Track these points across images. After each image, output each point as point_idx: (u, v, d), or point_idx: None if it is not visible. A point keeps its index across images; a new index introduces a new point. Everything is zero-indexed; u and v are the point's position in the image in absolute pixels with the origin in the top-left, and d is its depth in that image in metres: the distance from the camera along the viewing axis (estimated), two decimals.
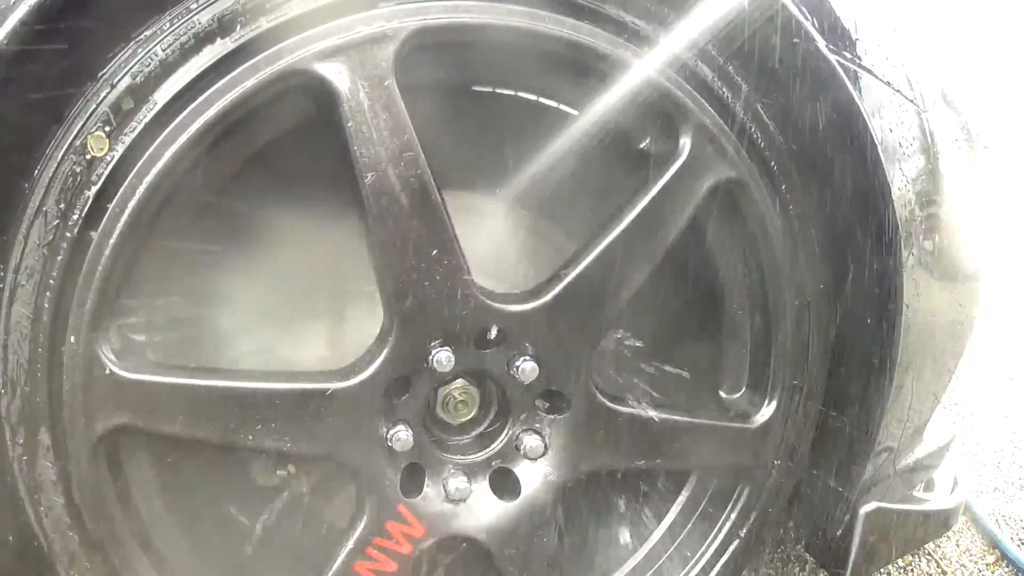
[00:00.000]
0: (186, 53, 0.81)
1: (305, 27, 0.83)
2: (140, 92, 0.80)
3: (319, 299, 1.10)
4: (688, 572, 1.18)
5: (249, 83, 0.82)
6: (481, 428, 1.08)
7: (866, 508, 1.18)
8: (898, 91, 1.03)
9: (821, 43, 0.95)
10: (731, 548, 1.18)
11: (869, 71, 1.01)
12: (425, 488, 1.02)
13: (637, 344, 1.25)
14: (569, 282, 0.97)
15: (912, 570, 1.72)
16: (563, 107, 1.04)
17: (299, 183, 1.01)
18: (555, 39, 0.91)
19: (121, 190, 0.81)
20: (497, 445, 1.06)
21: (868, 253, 1.05)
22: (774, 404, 1.13)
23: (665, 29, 0.96)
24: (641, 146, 1.03)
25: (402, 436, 0.97)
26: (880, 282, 1.05)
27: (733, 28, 0.97)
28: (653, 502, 1.23)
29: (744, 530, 1.18)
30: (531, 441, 1.04)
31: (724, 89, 1.00)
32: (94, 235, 0.81)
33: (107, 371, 0.83)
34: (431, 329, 0.94)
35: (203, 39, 0.81)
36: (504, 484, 1.06)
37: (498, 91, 1.02)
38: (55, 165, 0.79)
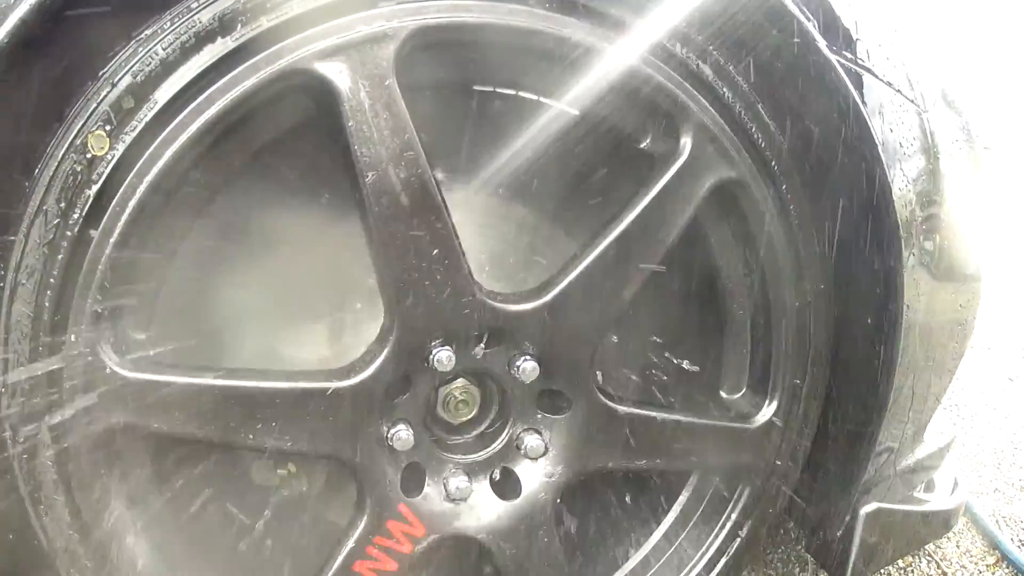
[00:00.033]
0: (187, 52, 0.81)
1: (306, 26, 0.83)
2: (141, 91, 0.80)
3: (320, 298, 1.10)
4: (688, 572, 1.18)
5: (250, 82, 0.82)
6: (482, 428, 1.08)
7: (866, 509, 1.18)
8: (899, 91, 1.03)
9: (822, 43, 0.95)
10: (731, 548, 1.18)
11: (870, 71, 1.01)
12: (426, 487, 1.02)
13: (638, 344, 1.25)
14: (570, 282, 0.97)
15: (912, 571, 1.71)
16: (563, 107, 1.04)
17: (300, 182, 1.01)
18: (557, 39, 0.91)
19: (122, 189, 0.81)
20: (498, 445, 1.06)
21: (869, 253, 1.05)
22: (775, 404, 1.13)
23: (665, 28, 0.96)
24: (642, 146, 1.03)
25: (403, 435, 0.97)
26: (881, 282, 1.05)
27: (734, 28, 0.97)
28: (653, 502, 1.23)
29: (744, 530, 1.18)
30: (532, 441, 1.04)
31: (725, 89, 1.00)
32: (95, 234, 0.81)
33: (107, 370, 0.83)
34: (432, 328, 0.94)
35: (204, 38, 0.81)
36: (505, 484, 1.06)
37: (499, 91, 1.02)
38: (56, 164, 0.79)
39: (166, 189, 0.84)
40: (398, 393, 0.98)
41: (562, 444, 1.05)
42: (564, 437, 1.05)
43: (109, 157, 0.80)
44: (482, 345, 0.99)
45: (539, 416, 1.05)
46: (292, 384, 0.91)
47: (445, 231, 0.90)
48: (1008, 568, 1.76)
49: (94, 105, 0.79)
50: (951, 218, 1.10)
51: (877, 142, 0.98)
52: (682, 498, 1.21)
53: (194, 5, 0.81)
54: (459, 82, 1.00)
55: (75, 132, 0.79)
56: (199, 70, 0.81)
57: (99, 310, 0.82)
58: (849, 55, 0.99)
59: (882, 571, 1.66)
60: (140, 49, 0.80)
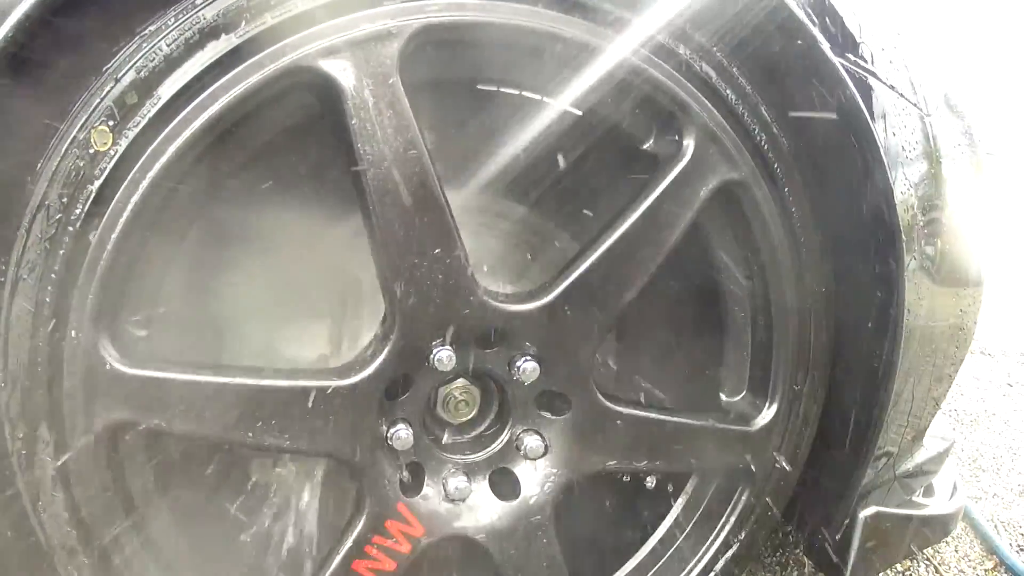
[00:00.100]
0: (191, 48, 0.81)
1: (310, 24, 0.83)
2: (144, 87, 0.80)
3: (321, 296, 1.10)
4: (686, 575, 1.18)
5: (253, 79, 0.82)
6: (481, 428, 1.08)
7: (865, 512, 1.18)
8: (902, 95, 1.03)
9: (825, 46, 0.95)
10: (730, 551, 1.18)
11: (873, 74, 1.01)
12: (425, 487, 1.02)
13: (639, 345, 1.25)
14: (571, 282, 0.97)
15: (911, 575, 1.71)
16: (566, 106, 1.04)
17: (302, 180, 1.01)
18: (560, 39, 0.91)
19: (124, 185, 0.81)
20: (497, 445, 1.06)
21: (870, 257, 1.05)
22: (775, 407, 1.13)
23: (668, 29, 0.96)
24: (645, 146, 1.03)
25: (402, 435, 0.97)
26: (881, 286, 1.04)
27: (737, 29, 0.97)
28: (652, 504, 1.23)
29: (743, 533, 1.18)
30: (531, 441, 1.04)
31: (728, 90, 1.00)
32: (96, 230, 0.81)
33: (108, 366, 0.83)
34: (433, 328, 0.94)
35: (208, 34, 0.81)
36: (504, 484, 1.06)
37: (503, 90, 1.02)
38: (58, 159, 0.79)
39: (168, 185, 0.84)
40: (398, 392, 0.98)
41: (562, 445, 1.05)
42: (564, 438, 1.05)
43: (112, 153, 0.80)
44: (483, 345, 0.98)
45: (539, 417, 1.05)
46: (292, 382, 0.91)
47: (447, 230, 0.90)
48: (1006, 573, 1.76)
49: (97, 100, 0.79)
50: (953, 223, 1.10)
51: (879, 145, 0.98)
52: (680, 500, 1.21)
53: (199, 1, 0.81)
54: (462, 81, 1.00)
55: (78, 127, 0.79)
56: (203, 66, 0.81)
57: (100, 306, 0.82)
58: (852, 58, 0.99)
59: (880, 575, 1.66)
60: (144, 45, 0.80)
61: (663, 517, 1.21)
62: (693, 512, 1.20)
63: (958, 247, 1.11)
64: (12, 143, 0.78)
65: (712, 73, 0.99)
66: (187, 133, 0.81)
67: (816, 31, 0.95)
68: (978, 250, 1.18)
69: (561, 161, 1.09)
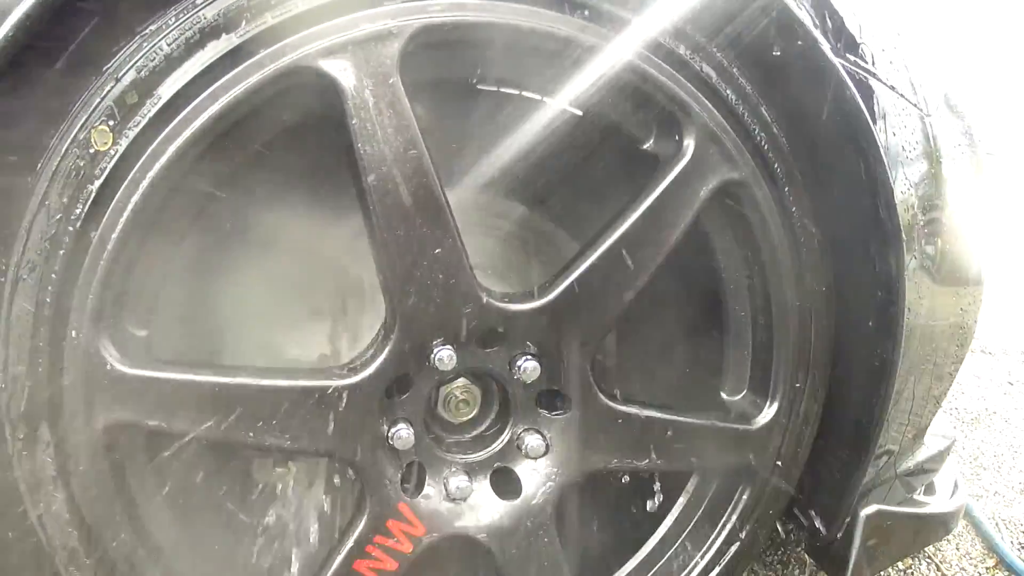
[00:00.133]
0: (191, 48, 0.81)
1: (310, 24, 0.83)
2: (144, 87, 0.80)
3: (322, 296, 1.10)
4: (687, 574, 1.18)
5: (253, 79, 0.82)
6: (482, 427, 1.08)
7: (867, 511, 1.18)
8: (902, 95, 1.03)
9: (825, 46, 0.95)
10: (731, 550, 1.18)
11: (873, 75, 1.01)
12: (426, 487, 1.02)
13: (640, 344, 1.25)
14: (571, 282, 0.97)
15: (912, 573, 1.71)
16: (567, 106, 1.04)
17: (302, 181, 1.01)
18: (560, 39, 0.91)
19: (124, 184, 0.81)
20: (498, 444, 1.06)
21: (870, 256, 1.05)
22: (776, 406, 1.13)
23: (669, 29, 0.96)
24: (645, 146, 1.03)
25: (403, 434, 0.97)
26: (882, 285, 1.04)
27: (737, 30, 0.97)
28: (652, 503, 1.23)
29: (744, 532, 1.18)
30: (532, 440, 1.04)
31: (728, 91, 1.00)
32: (96, 229, 0.81)
33: (108, 366, 0.83)
34: (433, 327, 0.94)
35: (208, 34, 0.81)
36: (505, 483, 1.06)
37: (503, 90, 1.02)
38: (58, 159, 0.79)
39: (169, 185, 0.84)
40: (399, 392, 0.98)
41: (563, 444, 1.05)
42: (565, 437, 1.05)
43: (112, 153, 0.80)
44: (483, 345, 0.98)
45: (540, 416, 1.05)
46: (293, 382, 0.91)
47: (448, 230, 0.90)
48: (1007, 571, 1.76)
49: (97, 100, 0.79)
50: (953, 222, 1.10)
51: (880, 145, 0.97)
52: (682, 499, 1.21)
53: (199, 1, 0.81)
54: (462, 81, 1.00)
55: (78, 127, 0.79)
56: (203, 66, 0.81)
57: (100, 306, 0.82)
58: (853, 59, 0.99)
59: (882, 573, 1.66)
60: (144, 44, 0.80)
61: (664, 516, 1.21)
62: (694, 511, 1.20)
63: (958, 246, 1.11)
64: (12, 143, 0.78)
65: (712, 73, 0.99)
66: (187, 133, 0.81)
67: (816, 31, 0.95)
68: (978, 249, 1.18)
69: (562, 161, 1.09)
